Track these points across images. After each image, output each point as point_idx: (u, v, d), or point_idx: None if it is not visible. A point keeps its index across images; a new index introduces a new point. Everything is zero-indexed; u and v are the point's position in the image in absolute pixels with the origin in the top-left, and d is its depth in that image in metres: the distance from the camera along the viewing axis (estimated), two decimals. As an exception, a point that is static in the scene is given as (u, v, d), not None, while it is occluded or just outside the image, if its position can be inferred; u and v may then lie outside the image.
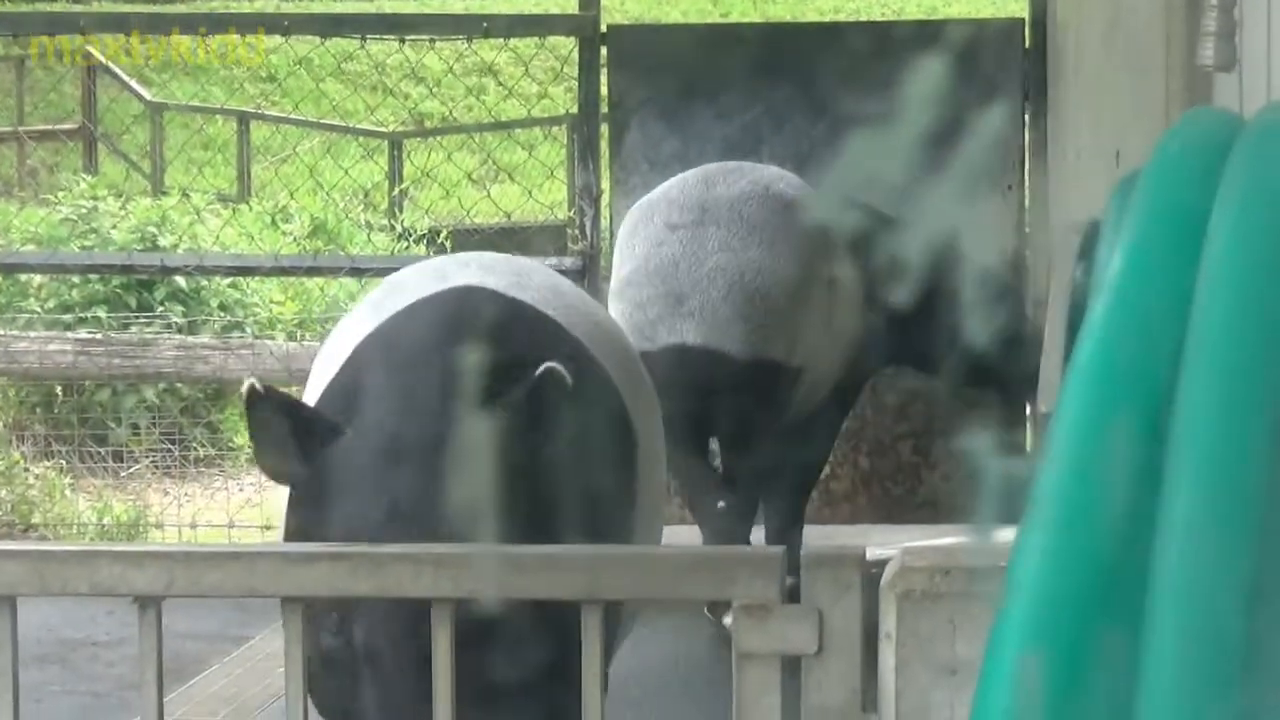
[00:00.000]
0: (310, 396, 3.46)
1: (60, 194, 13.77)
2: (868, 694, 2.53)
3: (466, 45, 8.42)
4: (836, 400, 6.73)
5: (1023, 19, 7.71)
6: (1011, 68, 7.57)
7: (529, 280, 3.73)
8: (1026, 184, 7.59)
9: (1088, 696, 1.45)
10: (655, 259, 6.25)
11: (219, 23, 8.55)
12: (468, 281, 3.62)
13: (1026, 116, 7.58)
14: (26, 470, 9.68)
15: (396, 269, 3.94)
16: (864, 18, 20.43)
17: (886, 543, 6.45)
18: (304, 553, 2.62)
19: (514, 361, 3.23)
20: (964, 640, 2.46)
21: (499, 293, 3.59)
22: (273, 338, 10.53)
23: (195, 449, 10.37)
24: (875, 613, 2.52)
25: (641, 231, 6.41)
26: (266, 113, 18.00)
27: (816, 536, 6.84)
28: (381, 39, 8.21)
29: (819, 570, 2.54)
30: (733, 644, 2.55)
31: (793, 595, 2.58)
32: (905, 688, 2.47)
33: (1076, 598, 1.46)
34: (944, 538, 7.28)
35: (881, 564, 2.59)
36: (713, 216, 6.34)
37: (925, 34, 8.20)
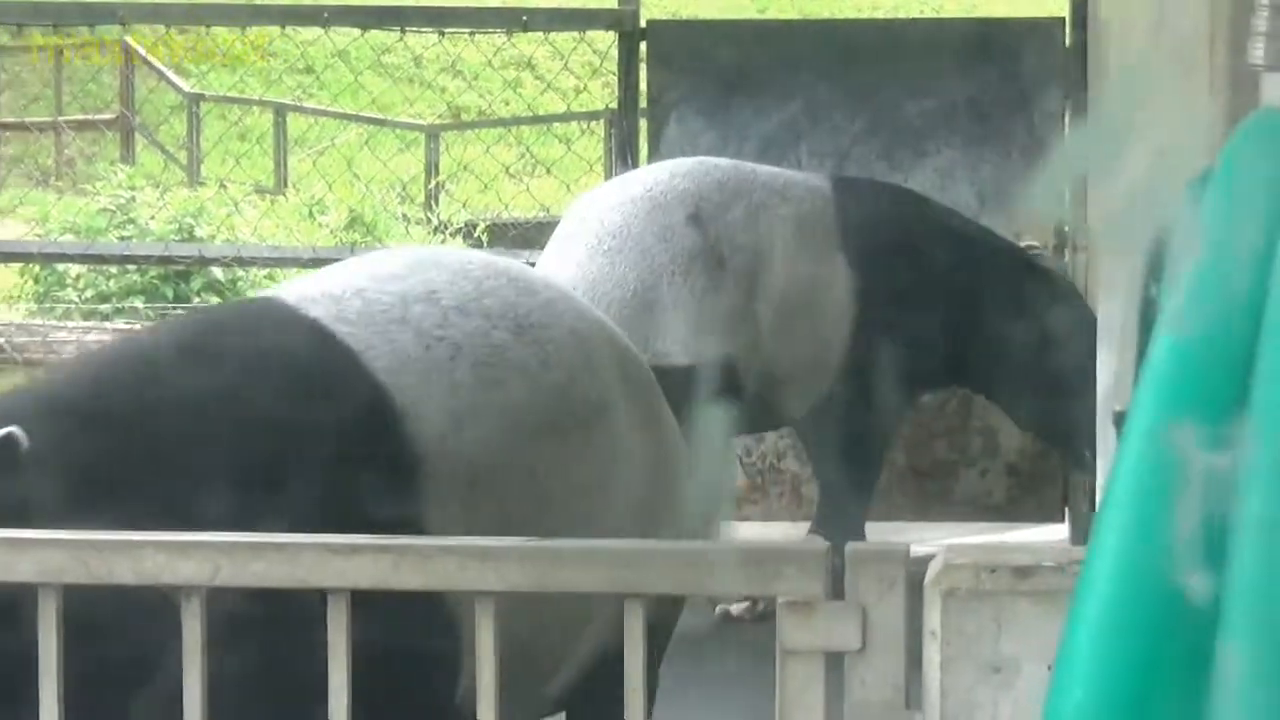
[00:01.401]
0: None
1: (98, 184, 13.83)
2: (911, 691, 2.53)
3: (505, 39, 8.42)
4: (858, 391, 6.61)
5: (1063, 17, 7.70)
6: (1052, 66, 7.55)
7: (388, 286, 3.41)
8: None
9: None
10: None
11: (257, 14, 8.58)
12: (276, 294, 3.48)
13: (1067, 115, 7.57)
14: (63, 459, 9.70)
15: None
16: (902, 14, 20.40)
17: (923, 540, 6.45)
18: (348, 544, 2.63)
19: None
20: (1009, 638, 2.46)
21: (288, 308, 3.36)
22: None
23: (230, 439, 10.36)
24: (919, 610, 2.52)
25: (541, 258, 6.28)
26: (304, 104, 18.03)
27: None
28: (420, 31, 8.22)
29: (863, 566, 2.53)
30: (776, 640, 2.55)
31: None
32: (950, 686, 2.47)
33: (1146, 604, 1.46)
34: (982, 535, 7.24)
35: (924, 561, 2.58)
36: (576, 232, 6.16)
37: (965, 31, 8.18)
